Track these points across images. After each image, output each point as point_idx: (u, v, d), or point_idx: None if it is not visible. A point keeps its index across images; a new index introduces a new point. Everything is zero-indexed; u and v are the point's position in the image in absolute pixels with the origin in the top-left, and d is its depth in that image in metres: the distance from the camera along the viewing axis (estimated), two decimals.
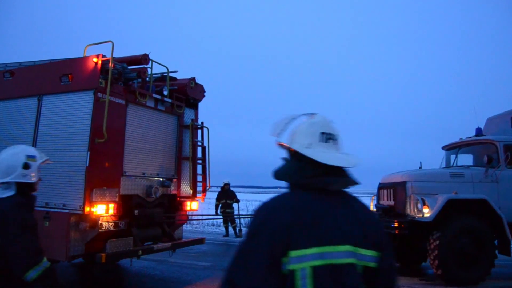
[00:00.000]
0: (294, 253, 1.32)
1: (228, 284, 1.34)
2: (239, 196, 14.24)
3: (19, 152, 2.61)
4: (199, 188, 7.83)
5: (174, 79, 7.90)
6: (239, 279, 1.31)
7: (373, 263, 1.41)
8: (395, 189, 7.80)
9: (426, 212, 7.02)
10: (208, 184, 7.94)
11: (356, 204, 1.50)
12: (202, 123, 8.01)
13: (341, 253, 1.35)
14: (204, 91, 8.12)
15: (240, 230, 13.74)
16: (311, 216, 1.37)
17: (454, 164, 8.66)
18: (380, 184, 8.53)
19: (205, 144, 7.92)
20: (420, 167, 8.81)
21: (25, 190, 2.59)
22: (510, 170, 7.60)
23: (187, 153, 7.61)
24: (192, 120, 7.82)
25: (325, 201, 1.42)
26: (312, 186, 1.43)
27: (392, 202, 7.87)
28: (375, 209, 8.40)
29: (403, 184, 7.53)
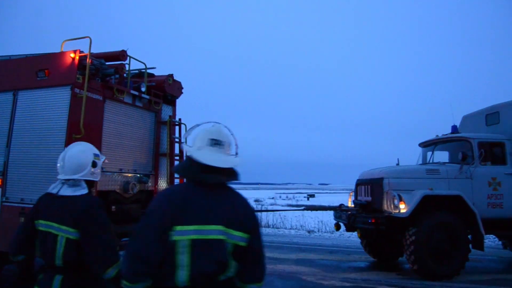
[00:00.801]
0: (178, 228, 1.74)
1: (129, 252, 1.77)
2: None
3: (86, 150, 2.59)
4: None
5: (152, 75, 7.89)
6: (137, 247, 1.76)
7: (243, 243, 1.81)
8: (372, 185, 7.89)
9: (403, 208, 7.12)
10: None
11: (234, 195, 1.91)
12: (179, 119, 8.01)
13: (214, 231, 1.76)
14: (182, 88, 8.15)
15: None
16: (193, 201, 1.80)
17: (431, 161, 8.82)
18: (358, 180, 8.63)
19: (183, 140, 7.91)
20: (398, 164, 8.94)
21: (90, 188, 2.59)
22: (484, 167, 7.78)
23: (165, 149, 7.61)
24: (170, 116, 7.80)
25: (206, 191, 1.83)
26: (196, 180, 1.85)
27: (369, 198, 7.97)
28: (353, 205, 8.51)
29: (380, 181, 7.63)
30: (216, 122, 2.05)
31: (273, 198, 47.66)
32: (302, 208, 18.03)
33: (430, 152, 8.92)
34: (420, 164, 8.97)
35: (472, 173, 7.66)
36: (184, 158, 1.98)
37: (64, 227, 2.34)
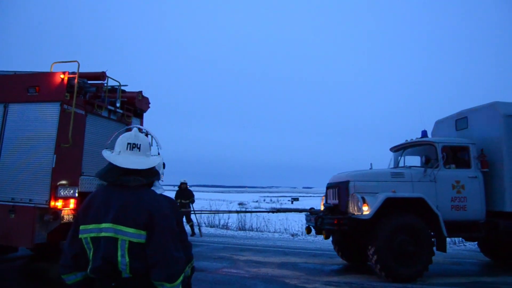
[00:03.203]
0: (82, 227, 2.00)
1: (63, 250, 2.10)
2: (203, 195, 14.67)
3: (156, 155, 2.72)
4: None
5: (124, 92, 8.78)
6: (64, 244, 2.09)
7: (139, 239, 1.91)
8: (339, 188, 8.19)
9: (366, 210, 7.40)
10: None
11: (137, 194, 2.00)
12: (146, 131, 8.85)
13: (105, 229, 1.93)
14: (149, 103, 9.12)
15: (199, 228, 14.19)
16: (94, 202, 2.01)
17: (402, 165, 9.11)
18: (328, 184, 8.95)
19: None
20: (371, 168, 9.24)
21: None
22: (448, 170, 8.03)
23: None
24: (139, 129, 8.67)
25: (112, 192, 2.01)
26: (117, 183, 2.03)
27: (336, 201, 8.27)
28: (323, 208, 8.83)
29: (346, 184, 7.93)
30: (138, 127, 2.29)
31: (257, 201, 47.76)
32: (268, 210, 18.23)
33: (401, 157, 9.21)
34: (391, 168, 9.27)
35: (436, 176, 7.91)
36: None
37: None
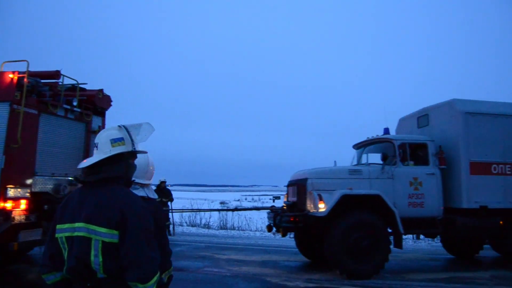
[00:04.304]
0: (58, 227, 2.00)
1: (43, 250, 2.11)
2: (185, 194, 14.62)
3: (143, 156, 2.64)
4: None
5: (84, 90, 8.63)
6: (45, 245, 2.10)
7: (111, 239, 1.88)
8: (298, 186, 8.13)
9: (322, 207, 7.34)
10: None
11: (109, 192, 1.98)
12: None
13: (78, 228, 1.92)
14: (111, 101, 8.99)
15: (173, 227, 14.10)
16: (71, 202, 2.03)
17: (364, 162, 9.11)
18: (288, 181, 8.93)
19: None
20: (335, 165, 9.22)
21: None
22: (405, 167, 8.03)
23: None
24: (99, 126, 8.64)
25: (86, 192, 2.01)
26: (77, 181, 2.09)
27: (295, 199, 8.21)
28: (284, 206, 8.80)
29: (304, 181, 7.87)
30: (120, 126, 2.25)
31: (238, 200, 47.74)
32: (232, 208, 18.25)
33: (364, 154, 9.21)
34: (354, 165, 9.26)
35: (394, 173, 7.90)
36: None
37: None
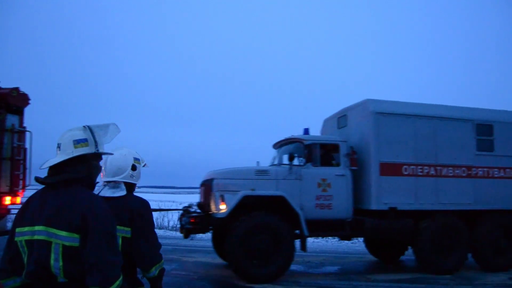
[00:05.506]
0: (17, 230, 1.92)
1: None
2: (153, 196, 14.42)
3: (127, 154, 2.68)
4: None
5: None
6: (4, 249, 1.97)
7: (72, 243, 1.82)
8: (205, 186, 7.99)
9: (223, 208, 7.19)
10: (29, 182, 8.48)
11: (70, 195, 1.91)
12: (24, 127, 8.55)
13: (38, 232, 1.84)
14: (29, 99, 8.79)
15: None
16: (31, 204, 1.95)
17: (283, 162, 8.96)
18: (201, 181, 8.78)
19: (27, 146, 8.57)
20: (257, 165, 9.06)
21: (131, 190, 2.68)
22: (314, 168, 7.86)
23: (5, 154, 8.10)
24: (13, 125, 8.36)
25: (45, 193, 1.94)
26: (40, 183, 2.00)
27: (204, 199, 8.10)
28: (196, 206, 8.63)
29: (210, 181, 7.71)
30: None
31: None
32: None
33: (284, 154, 9.06)
34: (273, 165, 9.10)
35: (302, 174, 7.78)
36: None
37: (118, 227, 2.38)
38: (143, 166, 2.82)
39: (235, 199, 7.24)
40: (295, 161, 7.99)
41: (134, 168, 2.68)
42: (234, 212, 7.17)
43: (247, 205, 7.37)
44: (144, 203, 2.62)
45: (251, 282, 7.02)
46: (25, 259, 1.88)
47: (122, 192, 2.57)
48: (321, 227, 7.77)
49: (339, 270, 8.75)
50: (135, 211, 2.51)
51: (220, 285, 6.99)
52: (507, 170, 8.54)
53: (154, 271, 2.51)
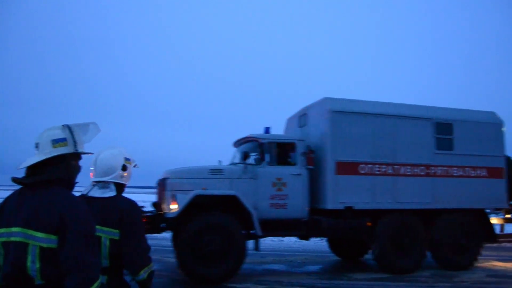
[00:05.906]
0: None
1: None
2: (131, 197, 14.21)
3: (117, 154, 2.61)
4: None
5: None
6: None
7: (49, 244, 1.78)
8: (160, 185, 7.90)
9: (174, 208, 7.09)
10: None
11: (48, 195, 1.86)
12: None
13: (14, 233, 1.80)
14: None
15: None
16: (8, 205, 1.90)
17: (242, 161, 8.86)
18: (157, 180, 8.68)
19: None
20: (219, 164, 8.95)
21: (120, 191, 2.61)
22: (269, 167, 7.74)
23: None
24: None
25: (23, 193, 1.89)
26: (17, 183, 1.93)
27: (158, 199, 8.01)
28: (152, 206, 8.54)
29: (164, 180, 7.64)
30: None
31: None
32: None
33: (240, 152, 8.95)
34: (234, 164, 9.00)
35: (257, 174, 7.67)
36: None
37: (106, 229, 2.37)
38: (134, 166, 2.75)
39: (186, 198, 7.13)
40: (252, 160, 7.91)
41: (124, 168, 2.61)
42: (187, 212, 7.06)
43: (203, 205, 7.28)
44: (133, 204, 2.56)
45: (200, 283, 6.93)
46: (1, 261, 1.85)
47: (111, 192, 2.52)
48: (276, 227, 7.69)
49: (320, 270, 8.78)
50: (125, 212, 2.45)
51: (203, 286, 6.89)
52: (466, 169, 8.49)
53: (143, 274, 2.44)
